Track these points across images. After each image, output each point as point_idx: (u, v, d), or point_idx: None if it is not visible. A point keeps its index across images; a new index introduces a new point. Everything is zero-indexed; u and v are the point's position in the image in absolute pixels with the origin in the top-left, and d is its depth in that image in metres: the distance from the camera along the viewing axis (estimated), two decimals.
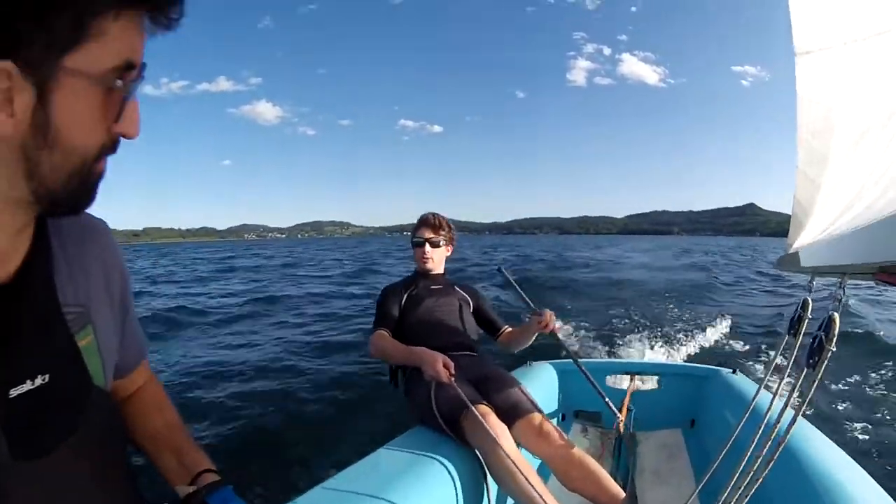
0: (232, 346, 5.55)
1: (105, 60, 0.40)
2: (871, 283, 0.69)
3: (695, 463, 1.98)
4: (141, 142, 0.48)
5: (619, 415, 1.84)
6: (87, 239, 0.55)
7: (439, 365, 1.52)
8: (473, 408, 1.42)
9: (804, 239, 1.11)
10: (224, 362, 4.76)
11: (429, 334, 1.80)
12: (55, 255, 0.50)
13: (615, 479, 1.46)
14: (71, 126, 0.40)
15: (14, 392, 0.43)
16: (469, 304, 2.00)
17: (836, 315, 0.71)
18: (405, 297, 1.90)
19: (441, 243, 1.96)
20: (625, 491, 1.38)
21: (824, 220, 0.99)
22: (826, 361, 0.72)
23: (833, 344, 0.71)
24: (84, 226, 0.56)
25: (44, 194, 0.42)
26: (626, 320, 6.23)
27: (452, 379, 1.51)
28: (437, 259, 1.96)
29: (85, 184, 0.45)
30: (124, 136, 0.45)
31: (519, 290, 2.05)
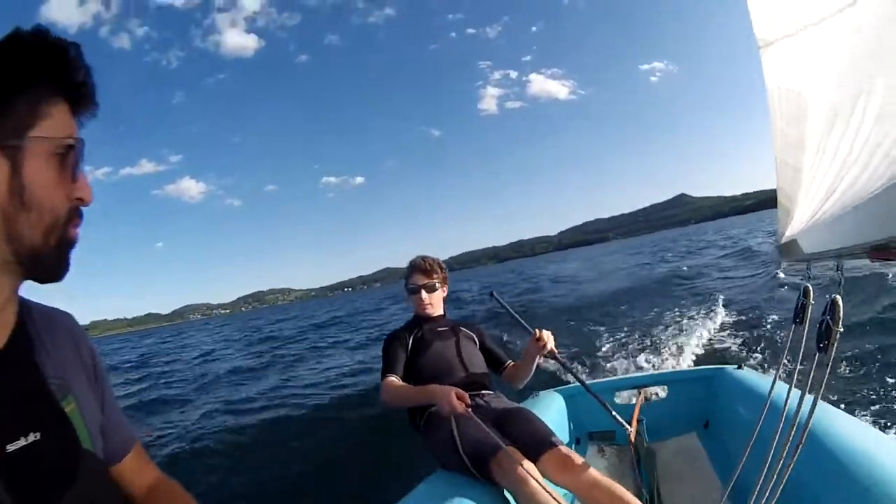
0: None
1: (57, 132, 0.51)
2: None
3: (715, 462, 1.95)
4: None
5: (628, 427, 1.80)
6: (55, 322, 0.62)
7: (453, 398, 1.47)
8: (505, 449, 1.39)
9: (794, 227, 1.11)
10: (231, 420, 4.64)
11: (441, 377, 1.75)
12: (33, 332, 0.56)
13: (641, 493, 1.42)
14: (40, 187, 0.50)
15: (11, 447, 0.46)
16: (475, 342, 1.96)
17: (839, 297, 0.70)
18: (410, 341, 1.85)
19: (437, 286, 1.93)
20: None
21: (812, 205, 0.99)
22: (836, 343, 0.71)
23: (840, 325, 0.70)
24: (49, 312, 0.62)
25: (25, 254, 0.50)
26: (613, 336, 6.14)
27: (469, 410, 1.47)
28: (435, 303, 1.93)
29: (62, 243, 0.52)
30: (81, 202, 0.54)
31: (513, 313, 2.00)
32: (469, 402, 1.49)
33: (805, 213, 1.03)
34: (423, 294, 1.89)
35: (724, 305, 6.51)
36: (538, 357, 1.78)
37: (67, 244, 0.53)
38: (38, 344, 0.56)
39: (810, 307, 0.91)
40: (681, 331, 5.60)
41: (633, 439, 1.79)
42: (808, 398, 0.79)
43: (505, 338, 5.76)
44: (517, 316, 2.00)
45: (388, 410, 1.81)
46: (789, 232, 1.13)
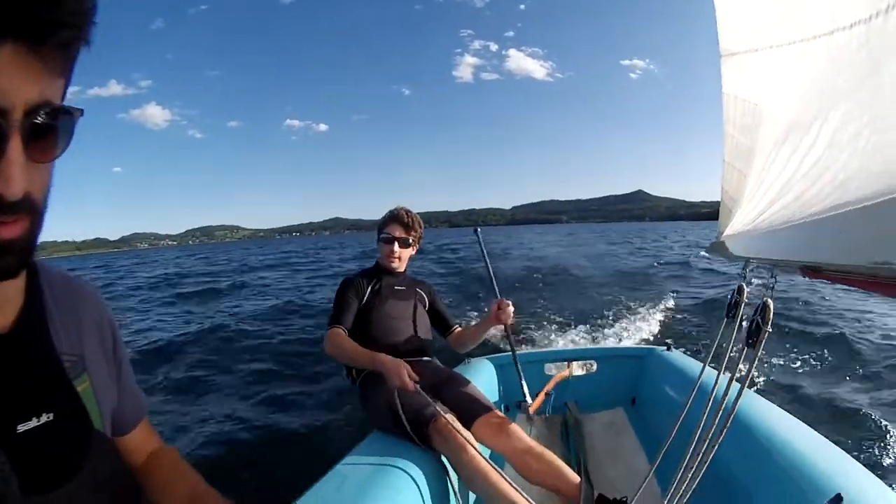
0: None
1: None
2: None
3: (641, 437, 2.10)
4: None
5: (529, 400, 1.89)
6: (77, 295, 0.59)
7: (404, 375, 1.50)
8: (444, 416, 1.43)
9: (735, 227, 1.20)
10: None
11: (389, 338, 1.77)
12: (48, 306, 0.53)
13: (569, 462, 1.52)
14: None
15: (22, 427, 0.45)
16: (426, 302, 1.97)
17: (770, 301, 0.77)
18: (368, 291, 1.83)
19: (410, 242, 1.89)
20: (579, 474, 1.44)
21: (754, 209, 1.07)
22: (764, 341, 0.78)
23: (769, 326, 0.77)
24: (72, 283, 0.60)
25: None
26: (557, 311, 6.40)
27: (418, 387, 1.50)
28: (404, 258, 1.90)
29: None
30: None
31: (487, 261, 2.02)
32: (417, 378, 1.52)
33: (746, 217, 1.11)
34: (396, 246, 1.86)
35: (671, 298, 6.84)
36: (492, 326, 1.82)
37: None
38: (54, 319, 0.54)
39: (743, 305, 1.00)
40: (624, 315, 5.89)
41: (531, 410, 1.87)
42: (735, 386, 0.87)
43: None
44: (490, 268, 2.02)
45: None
46: (728, 231, 1.22)
